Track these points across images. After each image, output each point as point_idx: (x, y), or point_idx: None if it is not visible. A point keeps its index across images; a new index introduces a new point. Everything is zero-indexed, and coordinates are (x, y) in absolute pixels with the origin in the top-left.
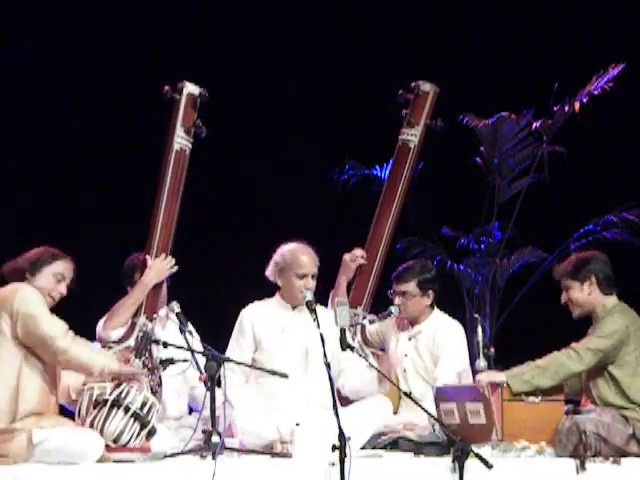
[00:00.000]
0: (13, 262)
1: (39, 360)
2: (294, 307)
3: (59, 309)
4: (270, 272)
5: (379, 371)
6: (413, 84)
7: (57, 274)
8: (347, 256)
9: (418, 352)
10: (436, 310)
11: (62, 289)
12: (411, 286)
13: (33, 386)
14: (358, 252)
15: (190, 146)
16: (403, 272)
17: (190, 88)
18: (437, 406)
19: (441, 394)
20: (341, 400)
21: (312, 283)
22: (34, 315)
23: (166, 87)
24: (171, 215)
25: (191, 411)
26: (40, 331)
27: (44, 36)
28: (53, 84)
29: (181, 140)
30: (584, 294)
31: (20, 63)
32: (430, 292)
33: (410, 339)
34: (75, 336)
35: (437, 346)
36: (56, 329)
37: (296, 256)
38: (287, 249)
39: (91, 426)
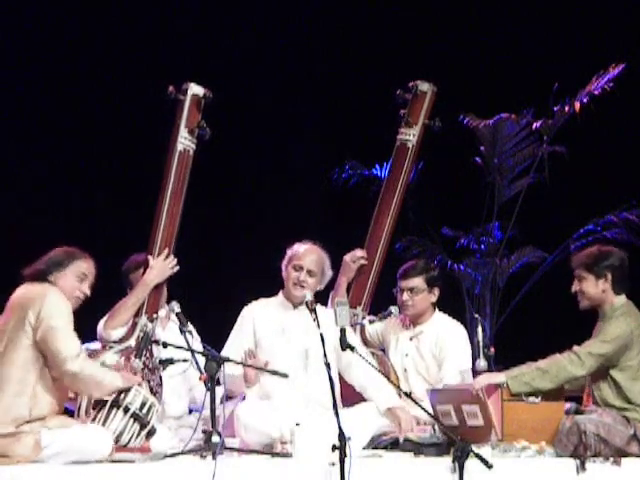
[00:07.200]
0: (34, 265)
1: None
2: (295, 307)
3: None
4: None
5: (379, 371)
6: (411, 84)
7: (79, 274)
8: (348, 257)
9: (419, 352)
10: (437, 311)
11: (85, 289)
12: (419, 281)
13: (47, 393)
14: (359, 253)
15: (194, 147)
16: (410, 268)
17: (195, 89)
18: (433, 407)
19: (435, 396)
20: (342, 400)
21: (307, 279)
22: (55, 327)
23: (171, 88)
24: (174, 215)
25: (191, 412)
26: (54, 347)
27: (47, 36)
28: (57, 84)
29: (185, 141)
30: (597, 290)
31: (23, 62)
32: (436, 289)
33: (411, 339)
34: (85, 358)
35: (440, 348)
36: (69, 351)
37: (297, 249)
38: (296, 244)
39: None
